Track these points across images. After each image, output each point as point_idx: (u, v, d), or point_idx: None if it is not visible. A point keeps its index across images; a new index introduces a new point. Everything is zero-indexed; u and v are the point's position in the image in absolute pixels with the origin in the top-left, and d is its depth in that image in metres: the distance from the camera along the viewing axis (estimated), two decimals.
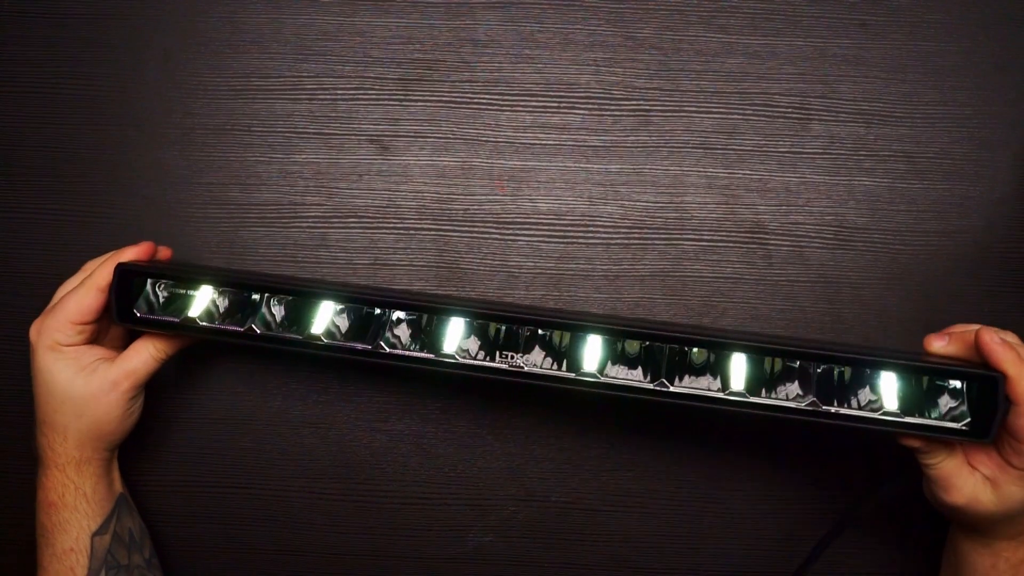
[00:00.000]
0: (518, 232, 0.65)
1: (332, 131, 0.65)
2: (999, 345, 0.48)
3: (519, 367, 0.54)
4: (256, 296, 0.57)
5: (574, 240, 0.65)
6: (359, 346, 0.55)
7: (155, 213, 0.64)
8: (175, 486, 0.65)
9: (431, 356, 0.54)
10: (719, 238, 0.64)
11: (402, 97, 0.65)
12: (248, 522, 0.65)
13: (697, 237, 0.64)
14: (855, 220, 0.64)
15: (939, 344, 0.52)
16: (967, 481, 0.50)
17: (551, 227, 0.65)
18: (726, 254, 0.64)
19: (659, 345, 0.53)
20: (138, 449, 0.64)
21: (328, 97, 0.65)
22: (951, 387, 0.51)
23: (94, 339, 0.57)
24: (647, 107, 0.65)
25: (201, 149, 0.65)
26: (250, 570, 0.65)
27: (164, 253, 0.61)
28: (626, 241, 0.64)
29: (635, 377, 0.53)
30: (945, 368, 0.50)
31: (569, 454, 0.65)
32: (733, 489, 0.64)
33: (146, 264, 0.57)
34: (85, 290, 0.55)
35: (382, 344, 0.54)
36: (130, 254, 0.57)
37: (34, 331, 0.56)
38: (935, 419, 0.50)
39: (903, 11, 0.65)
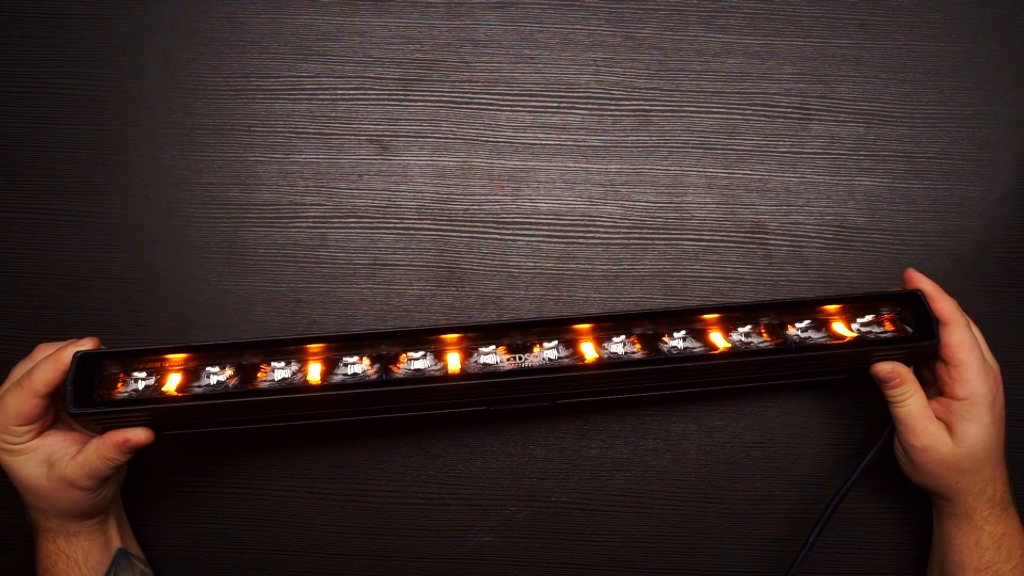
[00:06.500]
0: (518, 232, 0.65)
1: (332, 131, 0.65)
2: (914, 273, 0.57)
3: (522, 363, 0.55)
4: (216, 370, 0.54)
5: (574, 240, 0.65)
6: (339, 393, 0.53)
7: (155, 213, 0.64)
8: (175, 486, 0.65)
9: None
10: (719, 238, 0.64)
11: (402, 97, 0.65)
12: (248, 522, 0.64)
13: (697, 237, 0.64)
14: (855, 220, 0.65)
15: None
16: (930, 424, 0.56)
17: (551, 227, 0.65)
18: (726, 254, 0.64)
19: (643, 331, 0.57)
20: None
21: (328, 97, 0.65)
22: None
23: (51, 423, 0.55)
24: (647, 107, 0.65)
25: (201, 149, 0.65)
26: (250, 570, 0.65)
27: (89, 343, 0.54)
28: (626, 241, 0.64)
29: (628, 350, 0.56)
30: (877, 294, 0.57)
31: (569, 454, 0.64)
32: (733, 489, 0.64)
33: (103, 353, 0.53)
34: (24, 395, 0.52)
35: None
36: (87, 345, 0.53)
37: None
38: (885, 334, 0.57)
39: (903, 11, 0.65)
